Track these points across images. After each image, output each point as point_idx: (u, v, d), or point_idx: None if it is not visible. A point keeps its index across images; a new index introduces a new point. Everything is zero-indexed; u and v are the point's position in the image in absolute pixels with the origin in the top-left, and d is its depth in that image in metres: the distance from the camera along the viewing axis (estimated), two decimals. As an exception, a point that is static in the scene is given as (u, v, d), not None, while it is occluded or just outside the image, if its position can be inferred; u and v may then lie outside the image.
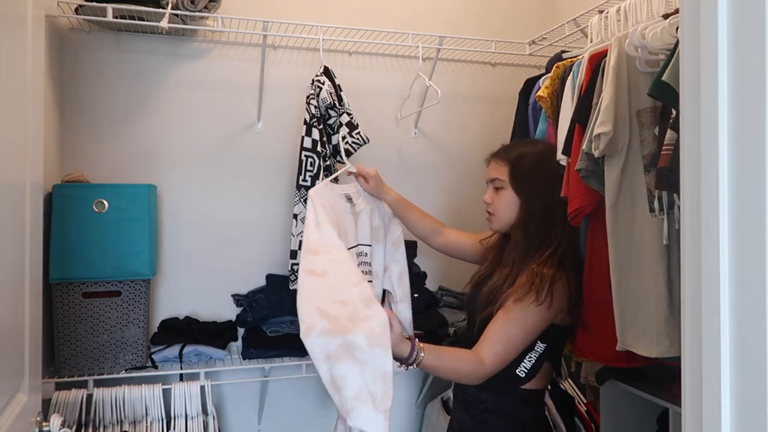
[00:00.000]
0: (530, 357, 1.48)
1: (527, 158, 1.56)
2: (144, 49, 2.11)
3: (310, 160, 1.93)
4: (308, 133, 1.94)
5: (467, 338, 1.60)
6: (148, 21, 1.92)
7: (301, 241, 1.91)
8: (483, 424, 1.51)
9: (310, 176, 1.93)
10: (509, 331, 1.42)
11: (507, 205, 1.54)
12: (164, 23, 1.86)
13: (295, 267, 1.88)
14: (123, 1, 1.87)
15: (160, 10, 1.88)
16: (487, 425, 1.50)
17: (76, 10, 1.91)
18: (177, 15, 1.93)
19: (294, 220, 1.93)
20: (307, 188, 1.93)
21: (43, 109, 1.22)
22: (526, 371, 1.48)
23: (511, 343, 1.42)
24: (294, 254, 1.90)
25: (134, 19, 1.91)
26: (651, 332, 1.36)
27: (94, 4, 1.86)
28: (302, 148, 1.94)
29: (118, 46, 2.08)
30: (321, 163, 1.94)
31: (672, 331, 1.33)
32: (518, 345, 1.43)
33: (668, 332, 1.33)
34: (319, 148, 1.94)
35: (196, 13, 1.94)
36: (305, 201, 1.92)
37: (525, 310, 1.41)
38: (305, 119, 1.95)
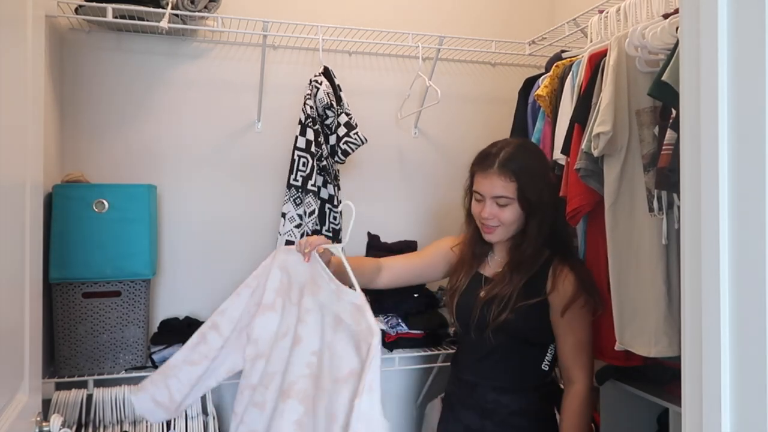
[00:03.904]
0: (551, 349, 1.50)
1: (531, 168, 1.47)
2: (144, 49, 2.11)
3: (303, 159, 1.95)
4: (302, 132, 1.96)
5: (465, 342, 1.60)
6: (148, 21, 1.92)
7: (287, 241, 1.92)
8: (510, 427, 1.47)
9: (301, 176, 1.95)
10: (581, 339, 1.47)
11: (513, 219, 1.47)
12: (164, 23, 1.86)
13: None
14: (123, 1, 1.87)
15: (160, 10, 1.88)
16: (514, 428, 1.47)
17: (76, 10, 1.91)
18: (177, 15, 1.93)
19: (282, 218, 1.96)
20: (297, 188, 1.94)
21: (43, 109, 1.22)
22: (549, 364, 1.50)
23: (588, 345, 1.49)
24: None
25: (134, 19, 1.91)
26: (649, 332, 1.36)
27: (94, 4, 1.86)
28: (295, 148, 1.96)
29: (118, 46, 2.08)
30: (314, 164, 1.95)
31: (670, 331, 1.33)
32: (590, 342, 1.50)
33: (667, 332, 1.33)
34: (313, 149, 1.94)
35: (196, 13, 1.94)
36: (295, 200, 1.94)
37: (586, 314, 1.47)
38: (300, 119, 1.98)
